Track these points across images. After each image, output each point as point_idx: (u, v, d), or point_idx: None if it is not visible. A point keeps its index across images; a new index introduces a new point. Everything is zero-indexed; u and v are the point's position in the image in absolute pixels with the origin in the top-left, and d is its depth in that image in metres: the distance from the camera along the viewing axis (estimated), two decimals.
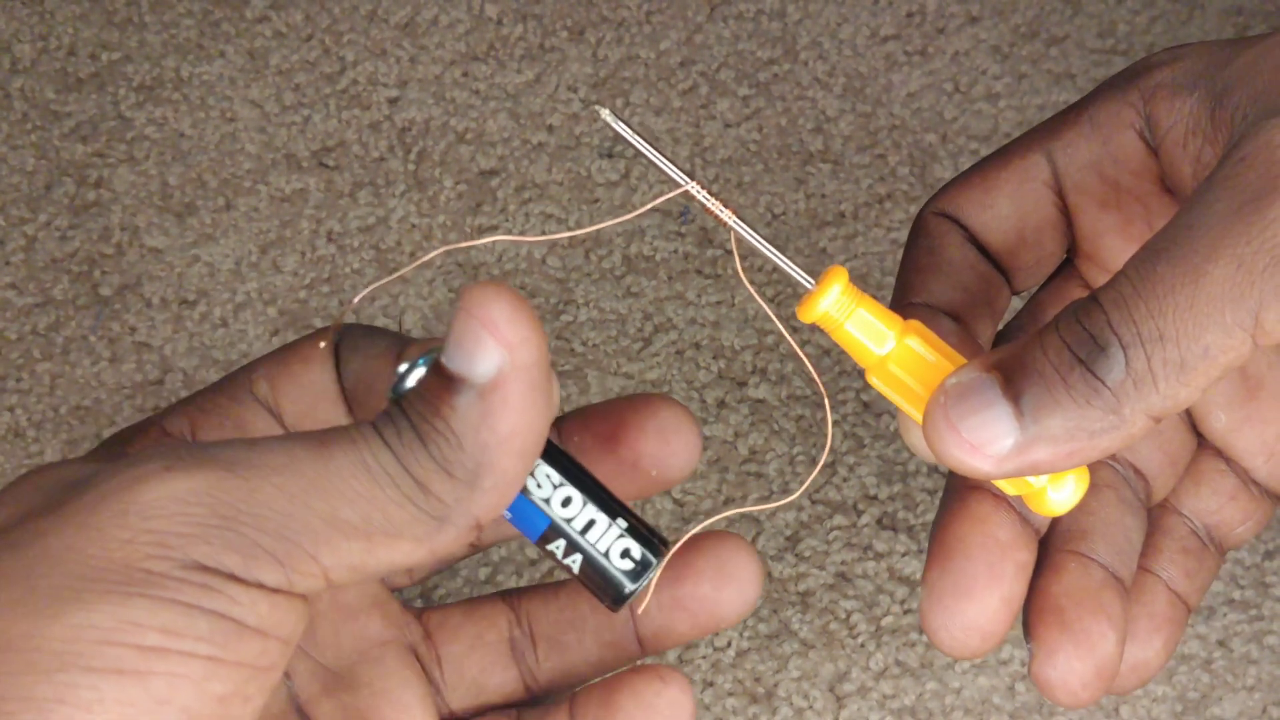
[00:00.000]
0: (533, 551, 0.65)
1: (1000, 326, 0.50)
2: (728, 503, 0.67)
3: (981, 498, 0.47)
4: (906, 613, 0.64)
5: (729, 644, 0.64)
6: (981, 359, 0.43)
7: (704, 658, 0.63)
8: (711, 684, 0.63)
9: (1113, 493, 0.49)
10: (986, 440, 0.41)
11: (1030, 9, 0.80)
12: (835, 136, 0.77)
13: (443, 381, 0.38)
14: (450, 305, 0.72)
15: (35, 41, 0.81)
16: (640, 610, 0.47)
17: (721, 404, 0.69)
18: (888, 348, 0.44)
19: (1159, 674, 0.50)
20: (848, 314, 0.44)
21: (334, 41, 0.81)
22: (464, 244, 0.45)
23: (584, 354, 0.71)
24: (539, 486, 0.42)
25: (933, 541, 0.47)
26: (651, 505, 0.67)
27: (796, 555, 0.65)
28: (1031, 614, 0.47)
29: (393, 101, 0.79)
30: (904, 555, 0.65)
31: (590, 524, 0.43)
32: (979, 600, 0.46)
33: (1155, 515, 0.51)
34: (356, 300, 0.41)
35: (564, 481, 0.43)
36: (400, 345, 0.45)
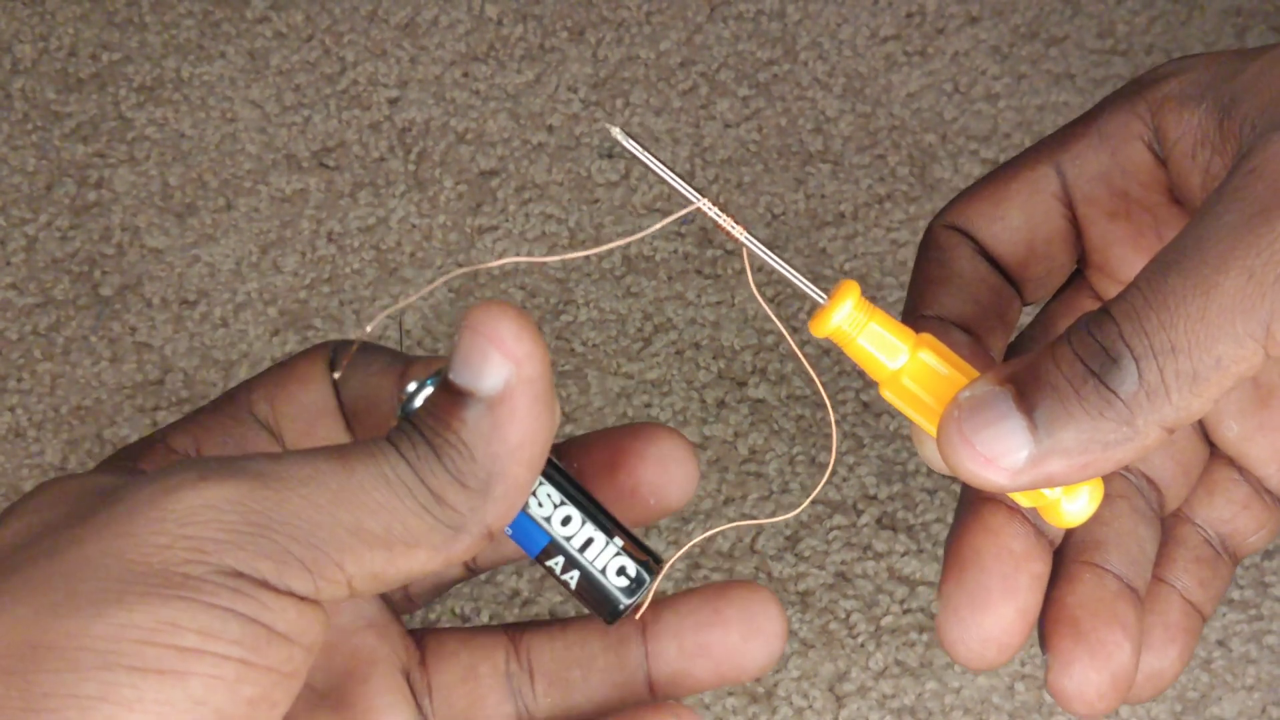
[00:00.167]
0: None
1: (1011, 338, 0.51)
2: (728, 503, 0.67)
3: (996, 510, 0.47)
4: (906, 612, 0.64)
5: None
6: (995, 372, 0.43)
7: None
8: (699, 694, 0.63)
9: (1126, 503, 0.49)
10: (1001, 453, 0.42)
11: (1030, 9, 0.80)
12: (835, 137, 0.77)
13: (452, 397, 0.39)
14: (450, 306, 0.72)
15: (36, 42, 0.81)
16: (637, 617, 0.47)
17: (721, 404, 0.69)
18: (900, 361, 0.44)
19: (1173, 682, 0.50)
20: (860, 328, 0.44)
21: (334, 42, 0.81)
22: (483, 265, 0.46)
23: (584, 354, 0.71)
24: (540, 505, 0.44)
25: (948, 554, 0.47)
26: None
27: (796, 555, 0.66)
28: (1047, 625, 0.47)
29: (393, 102, 0.79)
30: (904, 555, 0.65)
31: (588, 542, 0.44)
32: (995, 612, 0.46)
33: (1169, 525, 0.51)
34: (371, 327, 0.41)
35: (564, 501, 0.44)
36: (400, 363, 0.46)
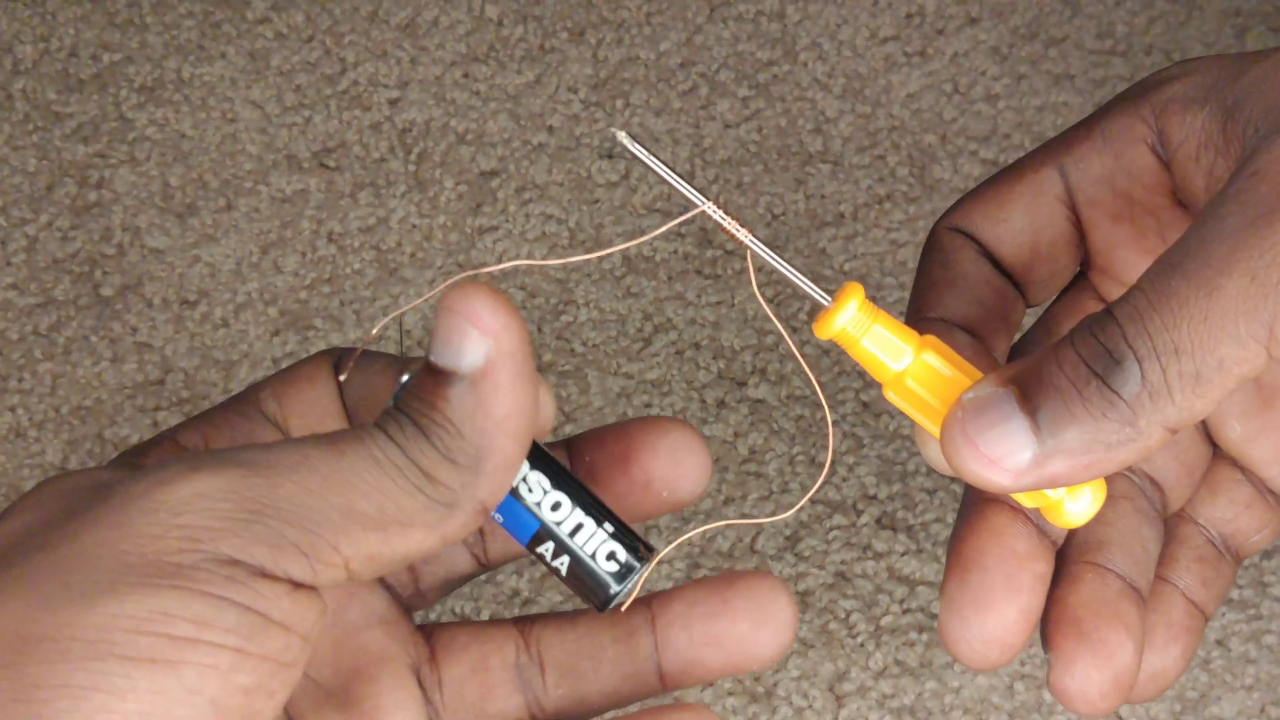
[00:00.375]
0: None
1: (1015, 340, 0.51)
2: (728, 503, 0.67)
3: (999, 510, 0.47)
4: (905, 612, 0.64)
5: None
6: (998, 373, 0.43)
7: None
8: (711, 684, 0.63)
9: (1129, 503, 0.49)
10: (1004, 454, 0.42)
11: (1029, 10, 0.80)
12: (835, 137, 0.77)
13: (435, 378, 0.40)
14: None
15: (37, 43, 0.81)
16: (624, 609, 0.47)
17: (721, 404, 0.70)
18: (904, 363, 0.44)
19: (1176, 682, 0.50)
20: (864, 330, 0.44)
21: (335, 43, 0.81)
22: (489, 269, 0.46)
23: (584, 354, 0.71)
24: (530, 491, 0.44)
25: (950, 554, 0.47)
26: None
27: (796, 555, 0.66)
28: (1049, 625, 0.47)
29: (393, 102, 0.79)
30: (903, 555, 0.66)
31: (578, 527, 0.44)
32: (997, 612, 0.46)
33: (1171, 525, 0.51)
34: (377, 330, 0.42)
35: (554, 487, 0.44)
36: (400, 364, 0.46)
